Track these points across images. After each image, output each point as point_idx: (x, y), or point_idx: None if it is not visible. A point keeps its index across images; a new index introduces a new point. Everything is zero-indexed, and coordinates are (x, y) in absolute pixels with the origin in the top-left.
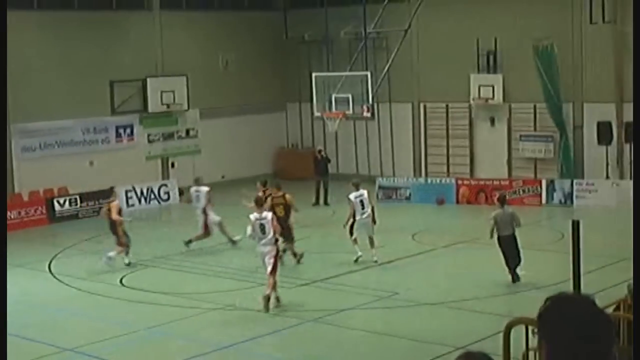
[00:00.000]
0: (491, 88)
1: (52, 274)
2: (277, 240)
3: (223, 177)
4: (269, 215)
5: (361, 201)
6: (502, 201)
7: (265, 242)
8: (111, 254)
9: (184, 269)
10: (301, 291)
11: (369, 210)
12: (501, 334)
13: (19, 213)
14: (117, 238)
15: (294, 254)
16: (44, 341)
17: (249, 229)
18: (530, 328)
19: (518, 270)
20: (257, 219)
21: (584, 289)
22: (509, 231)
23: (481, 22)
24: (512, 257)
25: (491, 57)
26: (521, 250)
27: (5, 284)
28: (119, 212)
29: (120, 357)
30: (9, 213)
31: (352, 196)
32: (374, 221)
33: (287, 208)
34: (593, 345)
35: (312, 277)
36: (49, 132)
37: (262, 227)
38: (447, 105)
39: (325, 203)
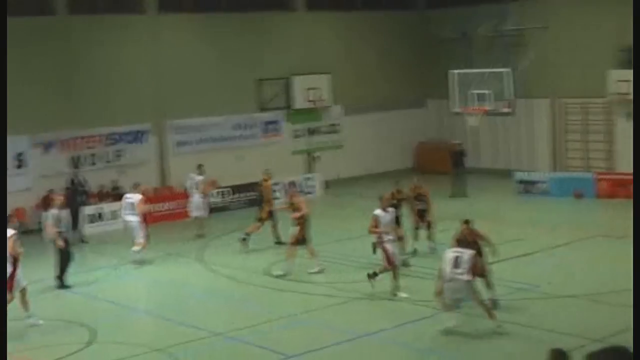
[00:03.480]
0: (629, 84)
1: (204, 262)
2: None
3: (366, 170)
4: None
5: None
6: None
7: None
8: None
9: (328, 260)
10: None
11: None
12: None
13: (174, 204)
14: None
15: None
16: (193, 325)
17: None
18: None
19: None
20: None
21: None
22: None
23: (619, 17)
24: None
25: (630, 53)
26: None
27: (5, 283)
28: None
29: (265, 343)
30: (164, 204)
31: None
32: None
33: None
34: None
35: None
36: (201, 128)
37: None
38: (585, 101)
39: (464, 195)
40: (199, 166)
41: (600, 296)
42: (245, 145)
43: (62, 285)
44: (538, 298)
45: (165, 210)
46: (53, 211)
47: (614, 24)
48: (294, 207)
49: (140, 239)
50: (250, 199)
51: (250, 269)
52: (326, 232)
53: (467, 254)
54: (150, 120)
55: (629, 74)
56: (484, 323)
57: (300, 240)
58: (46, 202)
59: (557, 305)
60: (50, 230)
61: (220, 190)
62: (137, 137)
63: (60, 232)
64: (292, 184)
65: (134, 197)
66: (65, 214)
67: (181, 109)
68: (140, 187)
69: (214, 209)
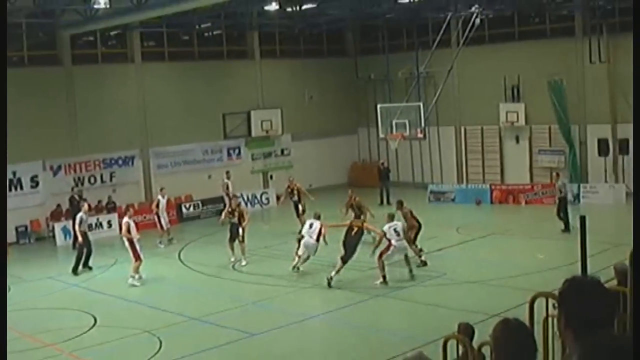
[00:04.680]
0: (516, 114)
1: (181, 261)
2: None
3: (310, 185)
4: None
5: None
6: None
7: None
8: None
9: (282, 257)
10: (372, 273)
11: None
12: (526, 305)
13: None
14: None
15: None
16: (175, 311)
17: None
18: (550, 301)
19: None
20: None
21: (590, 268)
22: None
23: (507, 62)
24: None
25: (515, 90)
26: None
27: (5, 284)
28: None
29: (233, 324)
30: (150, 216)
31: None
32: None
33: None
34: (601, 312)
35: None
36: (177, 153)
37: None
38: (482, 128)
39: (388, 203)
40: (227, 172)
41: (496, 281)
42: (212, 166)
43: (75, 272)
44: (445, 283)
45: (148, 220)
46: (80, 214)
47: (504, 67)
48: (239, 213)
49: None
50: (218, 209)
51: (220, 266)
52: (280, 235)
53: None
54: (137, 148)
55: (515, 106)
56: (406, 304)
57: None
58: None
59: (460, 289)
60: (76, 228)
61: (193, 202)
62: (126, 161)
63: (82, 232)
64: (235, 195)
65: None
66: (86, 217)
67: (162, 138)
68: (163, 190)
69: (187, 218)
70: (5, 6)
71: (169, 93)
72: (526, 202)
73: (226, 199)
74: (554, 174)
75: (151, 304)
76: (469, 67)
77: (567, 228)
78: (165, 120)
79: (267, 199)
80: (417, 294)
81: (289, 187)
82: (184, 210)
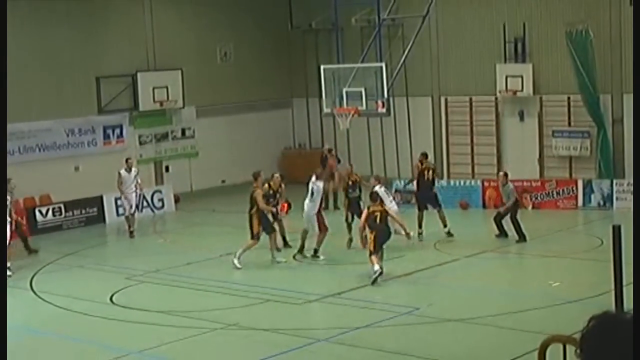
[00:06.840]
0: (519, 79)
1: (34, 291)
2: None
3: (223, 181)
4: None
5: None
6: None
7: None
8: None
9: (181, 285)
10: (311, 307)
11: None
12: (535, 353)
13: None
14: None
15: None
16: None
17: None
18: (568, 347)
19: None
20: None
21: (626, 303)
22: None
23: (508, 6)
24: None
25: (519, 45)
26: None
27: (5, 284)
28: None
29: None
30: None
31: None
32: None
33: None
34: None
35: (323, 292)
36: (28, 134)
37: None
38: (470, 99)
39: (336, 207)
40: (127, 159)
41: (488, 319)
42: (81, 153)
43: None
44: (418, 323)
45: None
46: None
47: (503, 13)
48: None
49: None
50: (89, 216)
51: (92, 298)
52: (178, 253)
53: None
54: None
55: (519, 68)
56: (359, 352)
57: None
58: None
59: (439, 330)
60: None
61: (51, 206)
62: None
63: None
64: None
65: None
66: None
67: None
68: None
69: (43, 229)
70: (5, 6)
71: (16, 44)
72: (534, 206)
73: (123, 199)
74: (501, 173)
75: None
76: (452, 12)
77: (516, 235)
78: (10, 84)
79: (161, 200)
80: (375, 338)
81: (270, 187)
82: (38, 217)
